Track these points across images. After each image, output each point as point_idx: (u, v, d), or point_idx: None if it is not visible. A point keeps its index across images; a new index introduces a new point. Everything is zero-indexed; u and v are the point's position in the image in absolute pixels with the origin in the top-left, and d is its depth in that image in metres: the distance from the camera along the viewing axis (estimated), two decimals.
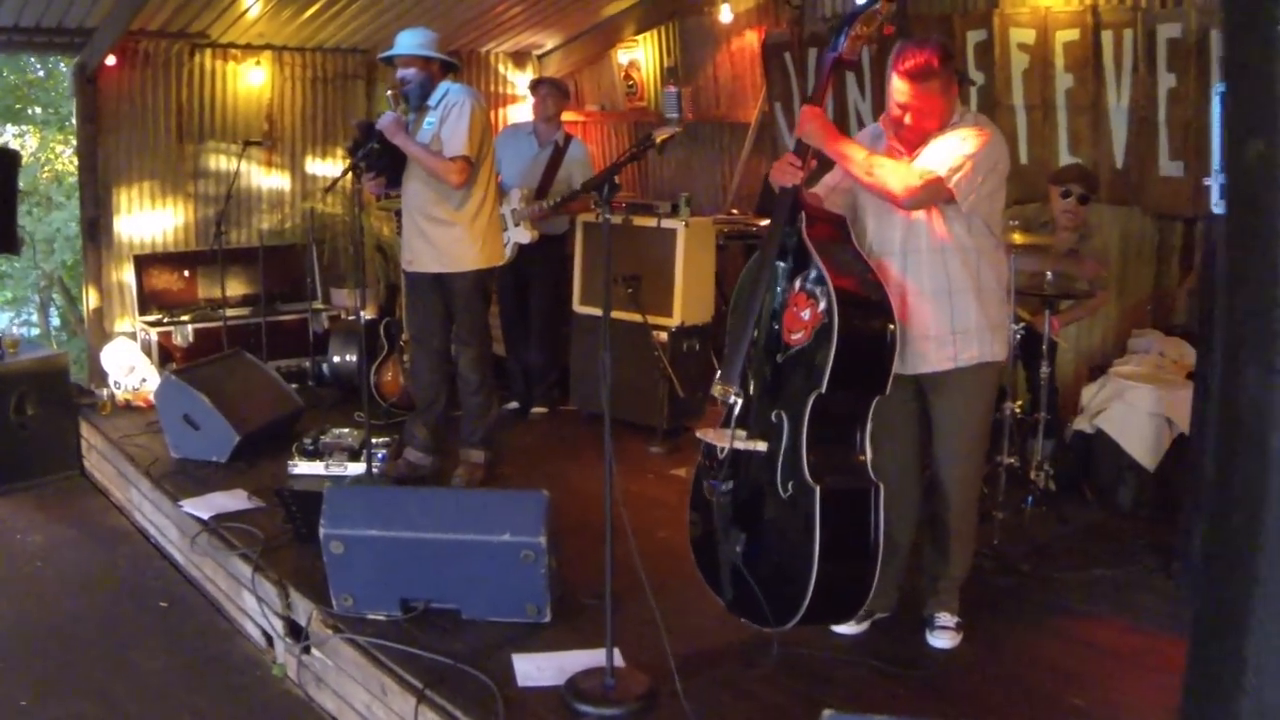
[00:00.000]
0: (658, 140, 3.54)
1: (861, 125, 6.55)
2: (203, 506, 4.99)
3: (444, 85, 5.08)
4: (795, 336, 3.43)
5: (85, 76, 7.13)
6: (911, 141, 3.50)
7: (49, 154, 14.19)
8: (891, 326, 3.41)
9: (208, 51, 7.47)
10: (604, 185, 3.35)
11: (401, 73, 5.04)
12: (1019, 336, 4.71)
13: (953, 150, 3.40)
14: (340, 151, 7.97)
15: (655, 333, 5.88)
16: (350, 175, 4.77)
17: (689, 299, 6.09)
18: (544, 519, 3.53)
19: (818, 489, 3.31)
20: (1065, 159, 5.67)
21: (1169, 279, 5.67)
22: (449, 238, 5.10)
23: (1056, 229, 5.09)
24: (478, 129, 4.98)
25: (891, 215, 3.53)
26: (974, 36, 5.92)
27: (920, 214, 3.48)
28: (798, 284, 3.46)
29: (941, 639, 3.69)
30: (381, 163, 5.04)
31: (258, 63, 7.64)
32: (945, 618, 3.73)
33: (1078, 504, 5.03)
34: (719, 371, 3.57)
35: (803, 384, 3.39)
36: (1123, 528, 4.80)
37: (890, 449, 3.61)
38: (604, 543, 3.21)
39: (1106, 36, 5.41)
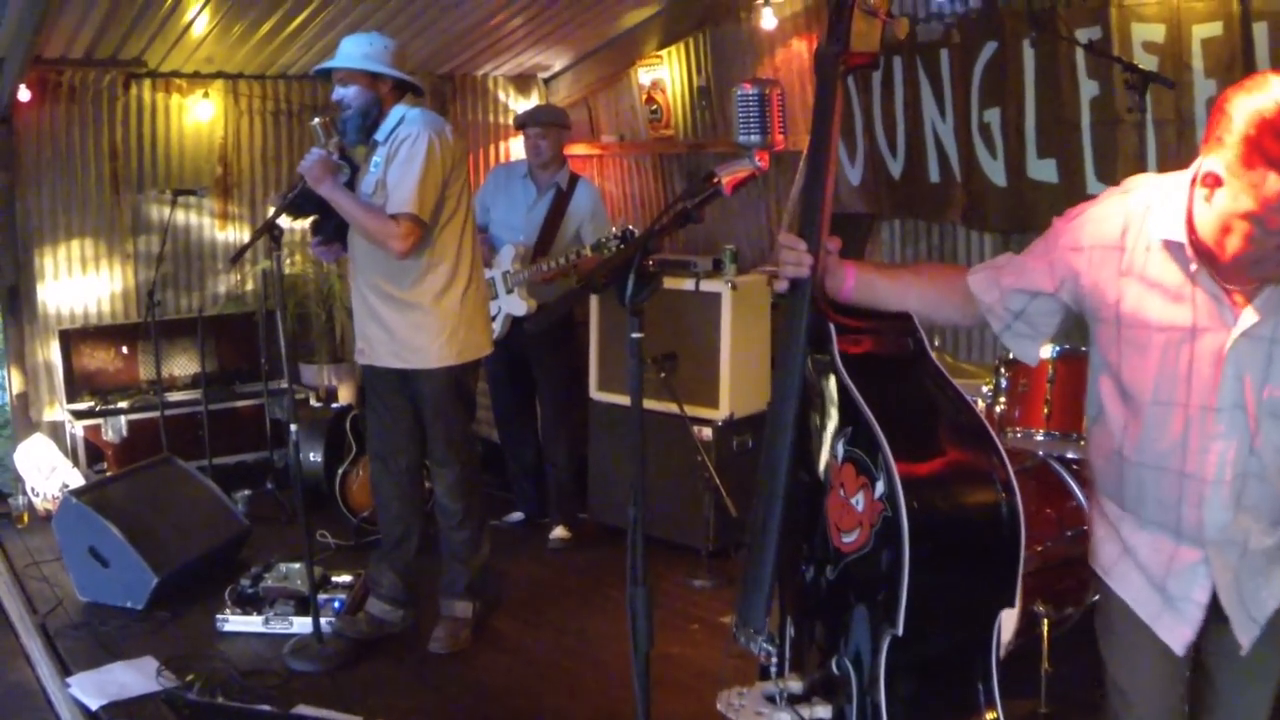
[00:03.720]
0: (724, 181, 2.17)
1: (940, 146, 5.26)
2: (95, 688, 3.77)
3: (398, 111, 3.79)
4: (848, 539, 2.09)
5: None
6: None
7: None
8: (1003, 495, 2.01)
9: (146, 83, 6.26)
10: (629, 272, 2.03)
11: (339, 93, 3.77)
12: None
13: None
14: None
15: (697, 428, 4.61)
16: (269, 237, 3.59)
17: (739, 383, 4.75)
18: None
19: None
20: None
21: None
22: (408, 323, 3.84)
23: None
24: (435, 176, 3.68)
25: None
26: (1084, 35, 4.65)
27: None
28: (840, 448, 2.11)
29: None
30: (309, 213, 3.84)
31: (206, 94, 6.40)
32: None
33: None
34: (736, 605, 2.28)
35: (870, 616, 2.05)
36: None
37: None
38: None
39: (1259, 30, 4.16)
